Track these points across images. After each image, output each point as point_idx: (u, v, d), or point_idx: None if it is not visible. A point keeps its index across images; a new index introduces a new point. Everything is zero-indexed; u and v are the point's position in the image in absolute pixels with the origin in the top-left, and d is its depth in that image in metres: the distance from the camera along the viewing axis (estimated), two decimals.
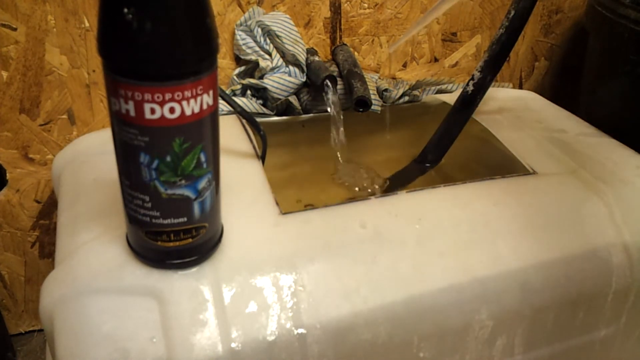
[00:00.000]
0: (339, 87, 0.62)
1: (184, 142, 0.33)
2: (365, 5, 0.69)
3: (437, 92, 0.69)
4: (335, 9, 0.68)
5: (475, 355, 0.46)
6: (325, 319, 0.39)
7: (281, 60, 0.63)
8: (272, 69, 0.62)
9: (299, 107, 0.64)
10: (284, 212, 0.45)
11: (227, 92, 0.63)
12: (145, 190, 0.34)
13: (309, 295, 0.39)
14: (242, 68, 0.66)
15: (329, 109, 0.61)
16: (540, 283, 0.45)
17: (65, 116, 0.63)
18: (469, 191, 0.49)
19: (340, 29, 0.70)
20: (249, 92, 0.64)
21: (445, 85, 0.70)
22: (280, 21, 0.63)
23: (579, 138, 0.59)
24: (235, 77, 0.65)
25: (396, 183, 0.62)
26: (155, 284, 0.38)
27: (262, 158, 0.52)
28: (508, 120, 0.63)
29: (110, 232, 0.41)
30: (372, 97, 0.60)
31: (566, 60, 0.86)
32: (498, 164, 0.57)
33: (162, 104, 0.31)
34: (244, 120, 0.59)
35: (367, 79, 0.62)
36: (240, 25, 0.65)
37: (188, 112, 0.32)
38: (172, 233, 0.36)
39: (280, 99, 0.62)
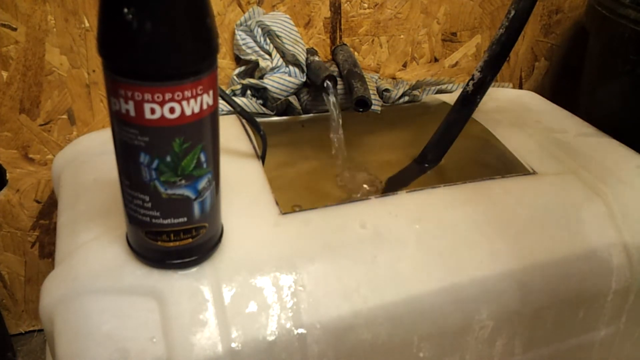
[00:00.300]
0: (339, 87, 0.62)
1: (184, 142, 0.33)
2: (365, 5, 0.69)
3: (437, 92, 0.69)
4: (335, 9, 0.68)
5: (475, 355, 0.46)
6: (325, 319, 0.39)
7: (281, 60, 0.63)
8: (272, 69, 0.62)
9: (299, 107, 0.64)
10: (284, 212, 0.45)
11: (227, 92, 0.63)
12: (145, 190, 0.34)
13: (309, 295, 0.39)
14: (242, 68, 0.66)
15: (329, 110, 0.61)
16: (540, 283, 0.45)
17: (65, 116, 0.63)
18: (469, 191, 0.49)
19: (340, 29, 0.70)
20: (249, 92, 0.64)
21: (445, 85, 0.70)
22: (280, 21, 0.63)
23: (579, 138, 0.59)
24: (235, 77, 0.65)
25: (396, 183, 0.62)
26: (155, 284, 0.38)
27: (262, 158, 0.52)
28: (508, 120, 0.63)
29: (110, 232, 0.41)
30: (372, 97, 0.60)
31: (566, 60, 0.86)
32: (498, 164, 0.57)
33: (162, 104, 0.31)
34: (244, 120, 0.59)
35: (367, 79, 0.62)
36: (240, 25, 0.65)
37: (188, 112, 0.32)
38: (172, 233, 0.36)
39: (280, 99, 0.62)
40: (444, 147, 0.59)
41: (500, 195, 0.49)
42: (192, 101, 0.32)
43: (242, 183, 0.48)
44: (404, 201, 0.47)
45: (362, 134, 0.67)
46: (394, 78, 0.76)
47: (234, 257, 0.40)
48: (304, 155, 0.65)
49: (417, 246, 0.44)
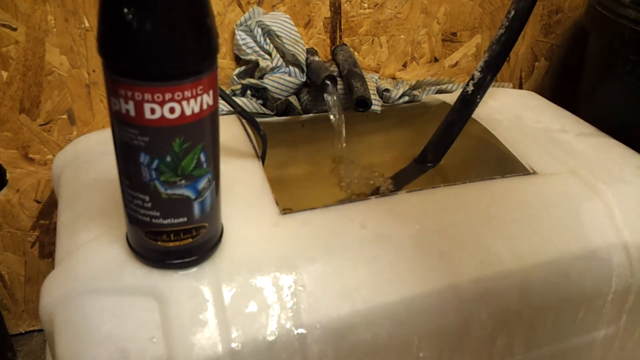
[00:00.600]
0: (339, 87, 0.62)
1: (184, 142, 0.33)
2: (365, 5, 0.69)
3: (437, 92, 0.69)
4: (335, 9, 0.68)
5: (475, 355, 0.46)
6: (325, 318, 0.39)
7: (281, 60, 0.63)
8: (272, 69, 0.62)
9: (299, 107, 0.64)
10: (284, 212, 0.45)
11: (227, 92, 0.63)
12: (145, 190, 0.34)
13: (309, 295, 0.39)
14: (242, 68, 0.66)
15: (329, 110, 0.61)
16: (540, 283, 0.45)
17: (65, 116, 0.63)
18: (469, 191, 0.49)
19: (340, 29, 0.70)
20: (249, 92, 0.64)
21: (445, 85, 0.70)
22: (280, 21, 0.63)
23: (579, 138, 0.59)
24: (235, 77, 0.65)
25: (396, 183, 0.62)
26: (155, 284, 0.38)
27: (262, 158, 0.52)
28: (508, 120, 0.63)
29: (110, 232, 0.41)
30: (372, 97, 0.60)
31: (566, 60, 0.86)
32: (498, 164, 0.57)
33: (162, 104, 0.31)
34: (244, 120, 0.59)
35: (367, 79, 0.62)
36: (240, 25, 0.65)
37: (188, 112, 0.32)
38: (172, 233, 0.36)
39: (280, 99, 0.62)
40: (444, 147, 0.59)
41: (500, 195, 0.49)
42: (192, 101, 0.32)
43: (242, 183, 0.48)
44: (404, 201, 0.47)
45: (362, 134, 0.67)
46: (394, 78, 0.76)
47: (234, 257, 0.40)
48: (304, 155, 0.65)
49: (417, 246, 0.44)
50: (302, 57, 0.62)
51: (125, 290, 0.38)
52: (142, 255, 0.38)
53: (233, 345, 0.36)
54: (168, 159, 0.33)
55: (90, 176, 0.49)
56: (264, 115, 0.63)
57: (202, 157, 0.34)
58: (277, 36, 0.62)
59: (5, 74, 0.58)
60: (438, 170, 0.60)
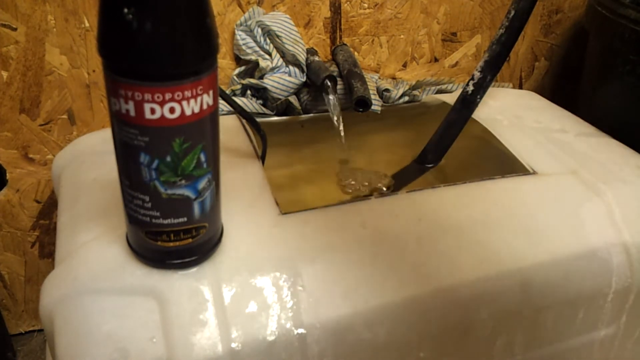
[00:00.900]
0: (339, 87, 0.62)
1: (184, 142, 0.33)
2: (365, 5, 0.69)
3: (437, 92, 0.69)
4: (335, 9, 0.68)
5: (475, 355, 0.46)
6: (325, 319, 0.39)
7: (281, 60, 0.63)
8: (272, 69, 0.62)
9: (299, 107, 0.64)
10: (284, 212, 0.45)
11: (227, 92, 0.63)
12: (145, 190, 0.34)
13: (309, 295, 0.39)
14: (242, 68, 0.66)
15: (329, 110, 0.61)
16: (540, 283, 0.45)
17: (65, 116, 0.63)
18: (469, 191, 0.49)
19: (340, 29, 0.70)
20: (249, 92, 0.64)
21: (445, 85, 0.70)
22: (280, 21, 0.63)
23: (579, 138, 0.59)
24: (235, 77, 0.65)
25: (396, 183, 0.62)
26: (156, 284, 0.38)
27: (262, 158, 0.52)
28: (508, 120, 0.63)
29: (110, 232, 0.41)
30: (372, 97, 0.60)
31: (566, 60, 0.86)
32: (498, 164, 0.57)
33: (162, 104, 0.31)
34: (244, 120, 0.59)
35: (367, 79, 0.62)
36: (240, 25, 0.65)
37: (188, 112, 0.32)
38: (172, 233, 0.36)
39: (280, 99, 0.62)
40: (444, 147, 0.59)
41: (500, 195, 0.49)
42: (192, 101, 0.32)
43: (242, 183, 0.48)
44: (404, 201, 0.47)
45: (362, 134, 0.67)
46: (394, 78, 0.76)
47: (234, 257, 0.40)
48: (304, 155, 0.65)
49: (417, 246, 0.44)
50: (302, 57, 0.62)
51: (125, 290, 0.38)
52: (142, 255, 0.38)
53: (233, 345, 0.36)
54: (168, 159, 0.33)
55: (90, 176, 0.49)
56: (264, 115, 0.63)
57: (202, 157, 0.34)
58: (277, 36, 0.62)
59: (5, 74, 0.58)
60: (438, 170, 0.61)
